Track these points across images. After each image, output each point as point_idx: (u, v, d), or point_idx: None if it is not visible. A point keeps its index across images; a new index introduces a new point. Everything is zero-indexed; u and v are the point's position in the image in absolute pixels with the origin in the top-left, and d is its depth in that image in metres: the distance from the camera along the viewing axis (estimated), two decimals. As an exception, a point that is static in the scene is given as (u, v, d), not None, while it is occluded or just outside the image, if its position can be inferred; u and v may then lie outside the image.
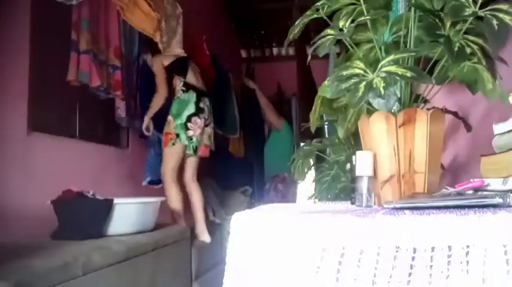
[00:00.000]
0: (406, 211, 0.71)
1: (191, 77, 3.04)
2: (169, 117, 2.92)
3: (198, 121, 2.91)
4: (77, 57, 2.38)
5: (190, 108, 2.90)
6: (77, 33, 2.40)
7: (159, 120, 2.99)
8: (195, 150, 2.93)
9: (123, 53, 2.80)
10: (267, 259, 0.65)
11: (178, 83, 3.00)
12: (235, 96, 4.52)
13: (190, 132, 2.88)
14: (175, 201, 2.89)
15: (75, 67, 2.36)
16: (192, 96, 2.94)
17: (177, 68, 3.04)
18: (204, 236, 3.01)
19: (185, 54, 3.16)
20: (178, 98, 2.95)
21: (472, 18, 0.86)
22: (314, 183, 1.96)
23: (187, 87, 2.98)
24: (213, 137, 3.13)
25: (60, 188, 1.97)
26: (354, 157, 0.95)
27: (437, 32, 0.91)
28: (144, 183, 3.09)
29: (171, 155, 2.91)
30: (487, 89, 0.92)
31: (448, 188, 0.88)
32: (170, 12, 3.12)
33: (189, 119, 2.88)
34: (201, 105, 2.96)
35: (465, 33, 0.89)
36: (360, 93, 0.83)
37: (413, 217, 0.63)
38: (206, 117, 2.99)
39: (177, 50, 3.13)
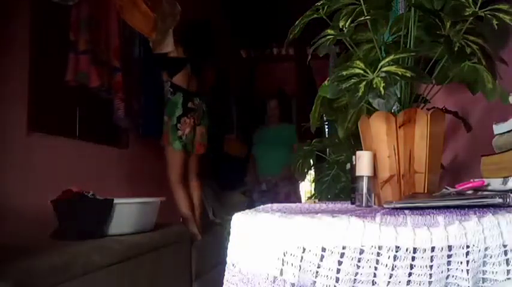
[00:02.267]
0: (406, 211, 0.71)
1: (180, 78, 3.09)
2: (166, 118, 3.03)
3: (187, 120, 3.01)
4: (76, 57, 2.37)
5: (179, 110, 3.00)
6: (76, 34, 2.39)
7: (155, 122, 3.06)
8: (185, 147, 3.03)
9: (122, 54, 2.79)
10: (266, 259, 0.65)
11: (166, 83, 3.10)
12: (233, 96, 4.52)
13: (180, 133, 2.99)
14: (182, 204, 3.00)
15: (73, 67, 2.36)
16: (179, 97, 3.03)
17: (169, 67, 3.10)
18: (196, 236, 3.05)
19: (174, 52, 3.11)
20: (169, 99, 3.06)
21: (472, 18, 0.86)
22: (314, 183, 1.96)
23: (174, 88, 3.07)
24: (206, 135, 3.18)
25: (60, 188, 1.97)
26: (354, 157, 0.95)
27: (437, 32, 0.91)
28: None
29: (174, 159, 3.02)
30: (487, 89, 0.91)
31: (448, 188, 0.88)
32: (168, 11, 3.11)
33: (178, 120, 2.99)
34: (190, 105, 3.04)
35: (465, 33, 0.89)
36: (360, 93, 0.83)
37: (413, 217, 0.63)
38: (196, 116, 3.07)
39: (168, 47, 3.07)
